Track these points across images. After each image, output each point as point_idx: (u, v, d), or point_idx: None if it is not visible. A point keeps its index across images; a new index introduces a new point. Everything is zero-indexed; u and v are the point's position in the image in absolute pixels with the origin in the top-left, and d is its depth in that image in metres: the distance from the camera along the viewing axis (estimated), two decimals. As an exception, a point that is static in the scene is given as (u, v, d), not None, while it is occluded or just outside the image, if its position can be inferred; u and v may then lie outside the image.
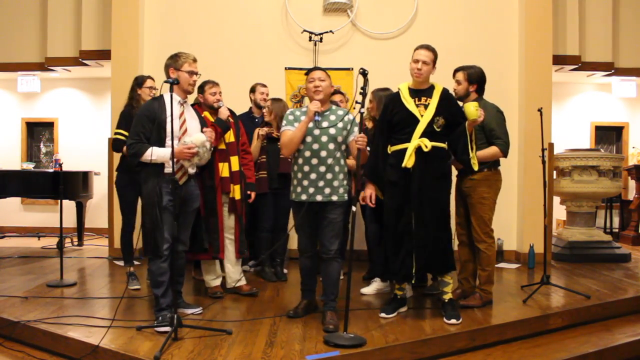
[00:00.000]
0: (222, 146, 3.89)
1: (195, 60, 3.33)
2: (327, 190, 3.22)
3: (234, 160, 3.94)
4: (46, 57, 6.51)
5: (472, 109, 3.27)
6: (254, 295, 3.94)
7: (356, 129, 3.30)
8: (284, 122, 3.34)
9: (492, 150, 3.63)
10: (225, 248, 3.92)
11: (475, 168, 3.45)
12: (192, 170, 3.26)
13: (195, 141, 3.18)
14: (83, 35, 6.22)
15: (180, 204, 3.15)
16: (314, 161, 3.22)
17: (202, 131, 3.35)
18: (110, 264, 5.30)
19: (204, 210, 3.68)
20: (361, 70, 3.10)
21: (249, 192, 4.11)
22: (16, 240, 7.07)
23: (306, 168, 3.24)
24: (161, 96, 3.26)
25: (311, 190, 3.22)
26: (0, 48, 6.69)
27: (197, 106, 3.85)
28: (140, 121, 3.18)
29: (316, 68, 3.41)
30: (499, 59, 5.78)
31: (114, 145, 4.19)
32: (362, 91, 3.07)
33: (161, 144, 3.16)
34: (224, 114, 3.86)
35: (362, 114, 3.10)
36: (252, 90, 4.85)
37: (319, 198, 3.21)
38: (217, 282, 3.99)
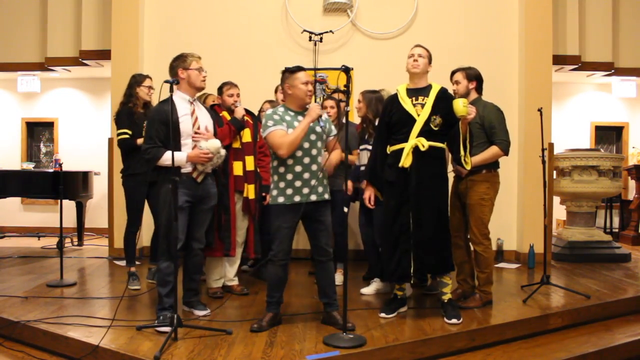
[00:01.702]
0: (237, 145, 3.92)
1: (200, 58, 3.37)
2: (320, 189, 3.17)
3: (249, 160, 3.96)
4: (46, 57, 6.51)
5: (460, 106, 3.19)
6: (245, 295, 3.98)
7: (332, 126, 3.28)
8: (271, 122, 3.12)
9: (493, 150, 3.63)
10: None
11: (468, 167, 3.40)
12: (209, 169, 3.33)
13: (210, 147, 3.22)
14: (83, 35, 6.22)
15: (197, 202, 3.26)
16: (306, 160, 3.12)
17: (215, 130, 3.43)
18: (110, 264, 5.30)
19: (217, 207, 3.69)
20: (343, 67, 3.00)
21: (263, 194, 4.09)
22: (16, 240, 7.06)
23: (298, 168, 3.11)
24: (170, 97, 3.26)
25: (305, 190, 3.12)
26: (0, 48, 6.68)
27: (217, 107, 3.97)
28: (153, 125, 3.19)
29: (302, 68, 3.22)
30: (499, 59, 5.78)
31: (123, 145, 4.17)
32: (345, 88, 3.04)
33: (177, 144, 3.18)
34: (239, 113, 3.91)
35: (347, 112, 3.09)
36: None
37: (313, 198, 3.14)
38: (220, 283, 4.00)
